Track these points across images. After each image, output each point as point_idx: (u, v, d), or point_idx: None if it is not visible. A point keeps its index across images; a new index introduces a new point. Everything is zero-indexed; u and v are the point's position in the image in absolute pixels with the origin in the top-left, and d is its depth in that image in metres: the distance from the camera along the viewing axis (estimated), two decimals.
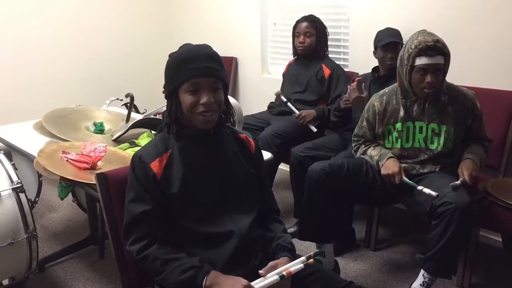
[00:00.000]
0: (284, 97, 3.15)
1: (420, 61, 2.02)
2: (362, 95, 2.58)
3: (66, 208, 3.25)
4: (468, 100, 2.16)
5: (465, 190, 1.99)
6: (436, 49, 2.00)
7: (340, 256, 2.58)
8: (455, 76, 2.28)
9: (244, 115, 3.29)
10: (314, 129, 2.98)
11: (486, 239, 2.69)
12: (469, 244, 2.19)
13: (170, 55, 1.45)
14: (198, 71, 1.35)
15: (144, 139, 2.25)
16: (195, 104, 1.36)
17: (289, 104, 3.09)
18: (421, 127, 2.17)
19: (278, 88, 3.35)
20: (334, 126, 2.96)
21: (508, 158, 2.51)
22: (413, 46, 2.04)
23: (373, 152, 2.27)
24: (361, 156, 2.35)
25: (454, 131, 2.15)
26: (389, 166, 2.16)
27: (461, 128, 2.18)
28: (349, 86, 2.67)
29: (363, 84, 2.65)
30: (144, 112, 3.23)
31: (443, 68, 2.06)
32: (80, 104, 2.95)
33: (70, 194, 2.89)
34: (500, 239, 2.61)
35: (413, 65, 2.05)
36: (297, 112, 3.02)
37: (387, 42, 2.66)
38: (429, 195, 1.99)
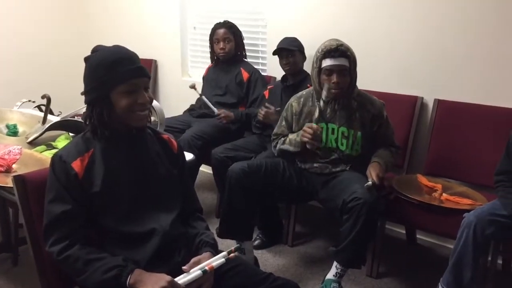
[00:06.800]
0: (203, 102, 3.23)
1: (325, 62, 2.21)
2: (271, 110, 2.74)
3: None
4: (374, 108, 2.35)
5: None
6: (338, 51, 2.19)
7: (259, 253, 2.68)
8: (365, 83, 2.47)
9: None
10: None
11: (391, 232, 2.92)
12: (376, 236, 2.37)
13: (87, 59, 1.42)
14: (135, 72, 1.38)
15: (62, 141, 2.20)
16: (133, 104, 1.38)
17: (204, 98, 3.13)
18: (333, 129, 2.33)
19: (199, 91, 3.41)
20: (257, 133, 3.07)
21: (410, 157, 2.76)
22: (320, 50, 2.24)
23: (291, 136, 2.40)
24: (281, 146, 2.45)
25: (361, 135, 2.32)
26: (304, 129, 2.27)
27: (368, 134, 2.35)
28: (260, 110, 2.81)
29: (273, 104, 2.80)
30: (59, 114, 3.13)
31: (348, 71, 2.23)
32: None
33: None
34: (404, 232, 2.85)
35: (320, 67, 2.23)
36: (213, 108, 3.08)
37: (276, 49, 2.86)
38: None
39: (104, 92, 1.38)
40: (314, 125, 2.24)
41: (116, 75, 1.36)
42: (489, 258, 2.11)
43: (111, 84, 1.37)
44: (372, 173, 2.21)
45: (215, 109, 3.09)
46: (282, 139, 2.47)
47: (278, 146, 2.48)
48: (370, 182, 2.14)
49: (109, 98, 1.38)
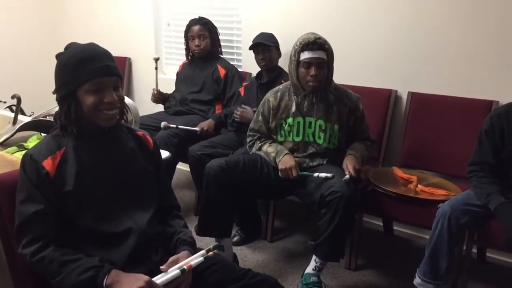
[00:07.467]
0: (179, 99, 3.24)
1: (304, 55, 2.22)
2: (247, 110, 2.76)
3: None
4: (350, 101, 2.37)
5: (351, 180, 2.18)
6: (316, 44, 2.21)
7: (238, 249, 2.68)
8: (339, 77, 2.49)
9: (140, 115, 3.26)
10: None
11: (369, 224, 2.95)
12: (354, 229, 2.40)
13: (58, 56, 1.41)
14: (101, 71, 1.35)
15: (34, 141, 2.15)
16: (99, 103, 1.36)
17: (180, 127, 2.96)
18: (310, 123, 2.34)
19: (172, 87, 3.38)
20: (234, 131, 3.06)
21: (385, 149, 2.79)
22: (298, 43, 2.25)
23: (269, 149, 2.39)
24: (257, 151, 2.46)
25: (338, 129, 2.34)
26: (286, 161, 2.30)
27: (344, 127, 2.37)
28: (236, 111, 2.83)
29: (250, 102, 2.82)
30: (31, 115, 3.07)
31: (326, 63, 2.25)
32: None
33: None
34: (381, 224, 2.88)
35: (299, 60, 2.25)
36: (195, 129, 2.99)
37: (253, 44, 2.84)
38: (326, 178, 2.17)
39: (71, 90, 1.36)
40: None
41: (82, 73, 1.35)
42: (464, 248, 2.15)
43: (77, 82, 1.35)
44: (349, 166, 2.23)
45: (195, 128, 2.99)
46: (259, 143, 2.46)
47: (254, 149, 2.48)
48: (347, 176, 2.15)
49: (76, 96, 1.36)
